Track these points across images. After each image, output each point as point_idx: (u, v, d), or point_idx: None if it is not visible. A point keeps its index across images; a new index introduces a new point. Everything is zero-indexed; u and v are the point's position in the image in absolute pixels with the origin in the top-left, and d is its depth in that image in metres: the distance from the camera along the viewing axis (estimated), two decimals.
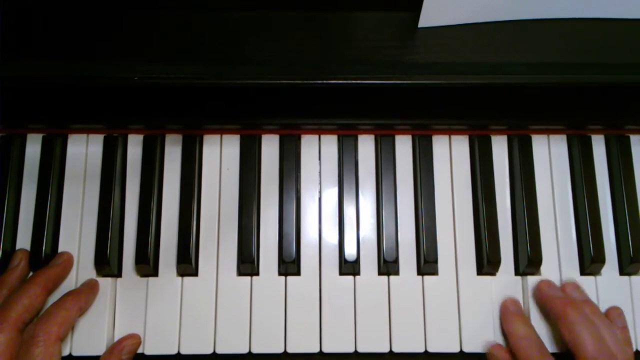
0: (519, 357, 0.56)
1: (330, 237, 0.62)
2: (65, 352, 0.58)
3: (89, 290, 0.58)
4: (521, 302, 0.60)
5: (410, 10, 0.58)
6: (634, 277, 0.61)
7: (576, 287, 0.60)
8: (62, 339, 0.54)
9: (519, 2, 0.57)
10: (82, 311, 0.57)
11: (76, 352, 0.58)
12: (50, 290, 0.57)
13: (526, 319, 0.59)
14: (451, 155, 0.64)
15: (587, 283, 0.61)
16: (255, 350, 0.59)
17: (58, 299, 0.56)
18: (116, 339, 0.58)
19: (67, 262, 0.60)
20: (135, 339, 0.58)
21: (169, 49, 0.57)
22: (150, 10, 0.58)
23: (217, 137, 0.64)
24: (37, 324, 0.53)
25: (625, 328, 0.58)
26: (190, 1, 0.59)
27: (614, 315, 0.59)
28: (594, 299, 0.60)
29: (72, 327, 0.58)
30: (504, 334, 0.59)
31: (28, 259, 0.60)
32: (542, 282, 0.60)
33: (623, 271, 0.62)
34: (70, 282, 0.60)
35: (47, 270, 0.58)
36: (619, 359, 0.53)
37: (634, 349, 0.59)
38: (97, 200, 0.61)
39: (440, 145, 0.64)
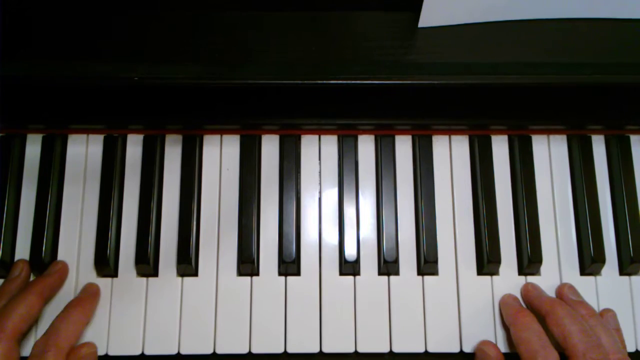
0: (522, 350, 0.54)
1: (330, 237, 0.62)
2: None
3: (92, 298, 0.58)
4: (521, 301, 0.60)
5: (410, 10, 0.58)
6: (634, 277, 0.61)
7: (572, 288, 0.60)
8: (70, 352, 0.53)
9: (519, 2, 0.57)
10: (88, 321, 0.57)
11: None
12: (46, 299, 0.57)
13: (528, 312, 0.57)
14: (451, 155, 0.64)
15: (587, 283, 0.61)
16: (255, 351, 0.59)
17: (63, 310, 0.55)
18: (115, 339, 0.58)
19: (62, 270, 0.59)
20: (91, 348, 0.56)
21: (169, 49, 0.57)
22: (150, 10, 0.58)
23: (217, 137, 0.64)
24: (47, 338, 0.52)
25: (618, 330, 0.58)
26: (190, 1, 0.59)
27: (607, 317, 0.59)
28: (593, 299, 0.60)
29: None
30: (505, 327, 0.59)
31: (29, 270, 0.59)
32: (527, 284, 0.60)
33: (623, 271, 0.62)
34: (70, 282, 0.60)
35: (43, 279, 0.57)
36: (610, 358, 0.52)
37: (634, 349, 0.59)
38: (97, 200, 0.61)
39: (440, 145, 0.64)
